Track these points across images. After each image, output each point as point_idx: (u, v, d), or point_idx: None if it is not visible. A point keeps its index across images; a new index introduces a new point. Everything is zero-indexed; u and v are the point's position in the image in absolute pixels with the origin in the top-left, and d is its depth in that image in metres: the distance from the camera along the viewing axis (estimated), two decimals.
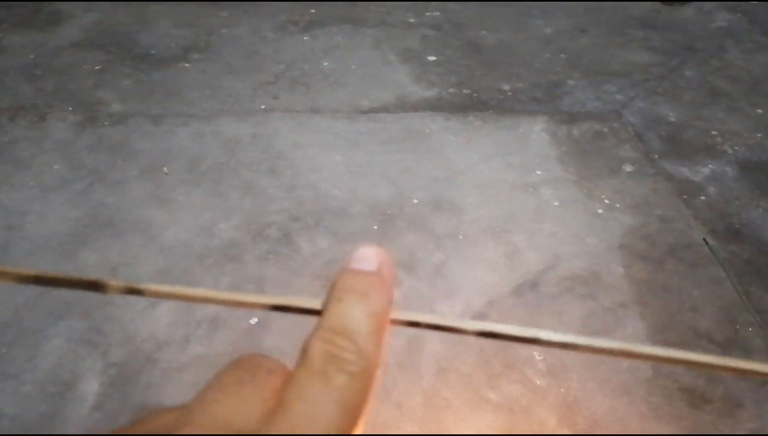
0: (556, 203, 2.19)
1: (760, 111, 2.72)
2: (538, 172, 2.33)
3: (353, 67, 2.98)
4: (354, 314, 0.26)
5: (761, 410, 1.55)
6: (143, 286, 0.27)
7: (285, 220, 2.09)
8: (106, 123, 2.54)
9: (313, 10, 3.49)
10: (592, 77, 2.94)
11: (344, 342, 0.25)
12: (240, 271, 1.90)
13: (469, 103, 2.73)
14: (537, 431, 1.50)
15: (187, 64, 2.97)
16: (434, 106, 2.70)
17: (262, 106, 2.68)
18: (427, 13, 3.49)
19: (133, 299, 1.80)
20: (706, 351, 1.68)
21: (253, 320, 1.75)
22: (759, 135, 2.57)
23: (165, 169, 2.30)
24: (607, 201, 2.20)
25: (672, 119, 2.66)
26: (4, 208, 2.11)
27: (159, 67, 2.93)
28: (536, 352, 1.68)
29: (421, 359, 1.66)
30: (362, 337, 0.25)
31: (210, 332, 1.71)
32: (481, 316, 1.77)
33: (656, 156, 2.43)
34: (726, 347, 1.70)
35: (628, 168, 2.36)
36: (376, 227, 2.07)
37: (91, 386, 1.57)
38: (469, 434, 1.49)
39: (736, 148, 2.49)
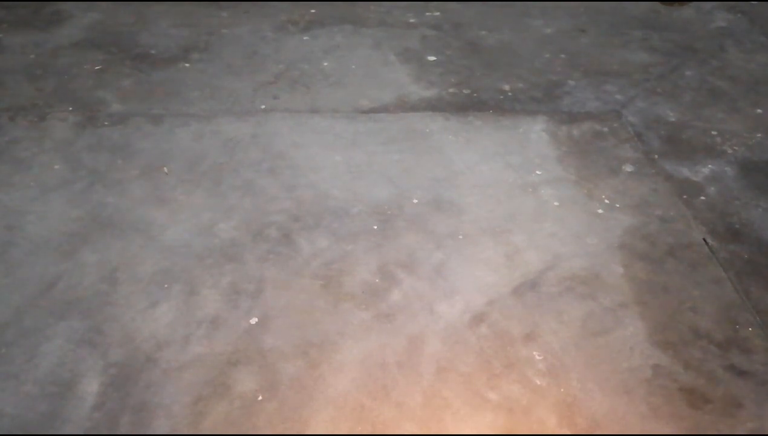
0: (556, 203, 2.19)
1: (760, 111, 2.72)
2: (538, 172, 2.33)
3: (353, 67, 2.98)
4: None
5: (761, 410, 1.55)
6: None
7: (285, 220, 2.09)
8: (106, 123, 2.54)
9: (313, 10, 3.49)
10: (592, 77, 2.94)
11: None
12: (240, 271, 1.90)
13: (469, 103, 2.73)
14: (537, 431, 1.50)
15: (187, 64, 2.97)
16: (434, 106, 2.71)
17: (262, 106, 2.68)
18: (427, 13, 3.50)
19: (133, 298, 1.80)
20: (705, 351, 1.68)
21: (253, 320, 1.75)
22: (759, 135, 2.57)
23: (165, 169, 2.30)
24: (607, 201, 2.20)
25: (672, 119, 2.66)
26: (4, 208, 2.11)
27: (159, 67, 2.93)
28: (536, 352, 1.68)
29: (421, 359, 1.66)
30: None
31: (210, 332, 1.71)
32: (481, 316, 1.77)
33: (656, 156, 2.44)
34: (726, 347, 1.70)
35: (628, 168, 2.36)
36: (376, 227, 2.07)
37: (91, 386, 1.57)
38: (469, 434, 1.49)
39: (736, 148, 2.49)
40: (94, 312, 1.76)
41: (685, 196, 2.24)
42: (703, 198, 2.23)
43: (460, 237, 2.04)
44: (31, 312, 1.76)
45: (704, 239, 2.05)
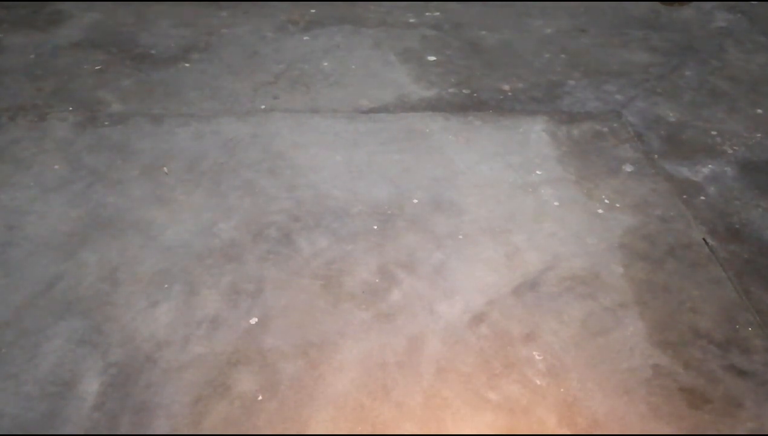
0: (556, 203, 2.19)
1: (760, 111, 2.72)
2: (538, 172, 2.33)
3: (353, 67, 2.98)
4: None
5: (761, 410, 1.55)
6: None
7: (285, 220, 2.09)
8: (106, 123, 2.54)
9: (313, 10, 3.49)
10: (592, 77, 2.94)
11: None
12: (240, 271, 1.90)
13: (469, 103, 2.73)
14: (537, 431, 1.50)
15: (187, 64, 2.97)
16: (434, 106, 2.71)
17: (262, 106, 2.68)
18: (427, 13, 3.50)
19: (133, 298, 1.80)
20: (705, 351, 1.68)
21: (253, 320, 1.75)
22: (759, 135, 2.57)
23: (165, 169, 2.30)
24: (607, 201, 2.20)
25: (672, 119, 2.66)
26: (4, 208, 2.11)
27: (159, 67, 2.94)
28: (536, 352, 1.68)
29: (421, 359, 1.66)
30: None
31: (210, 332, 1.71)
32: (481, 316, 1.77)
33: (656, 156, 2.44)
34: (726, 347, 1.70)
35: (628, 168, 2.36)
36: (376, 227, 2.07)
37: (91, 386, 1.57)
38: (469, 434, 1.49)
39: (736, 148, 2.49)
40: (94, 312, 1.76)
41: (685, 196, 2.24)
42: (703, 198, 2.23)
43: (460, 237, 2.04)
44: (31, 312, 1.76)
45: (704, 239, 2.05)
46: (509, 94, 2.81)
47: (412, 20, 3.41)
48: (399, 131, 2.53)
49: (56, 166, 2.30)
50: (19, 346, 1.66)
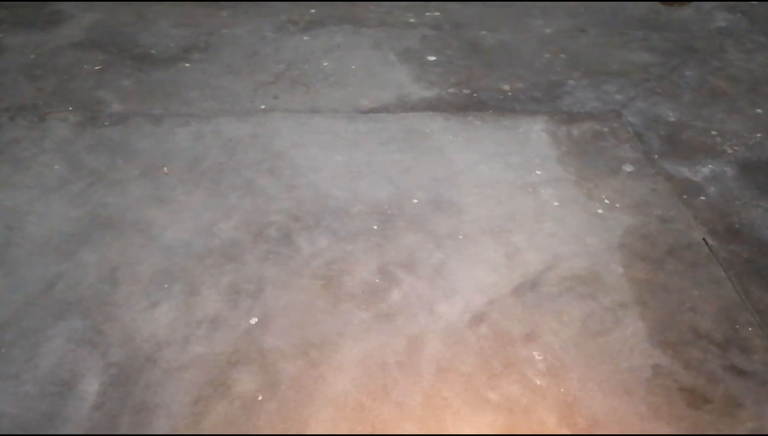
0: (556, 203, 2.19)
1: (759, 111, 2.72)
2: (538, 172, 2.33)
3: (353, 67, 2.98)
4: None
5: (761, 410, 1.55)
6: None
7: (285, 220, 2.09)
8: (106, 123, 2.54)
9: (313, 10, 3.49)
10: (592, 77, 2.94)
11: None
12: (240, 271, 1.90)
13: (469, 103, 2.73)
14: (537, 431, 1.50)
15: (187, 64, 2.97)
16: (434, 106, 2.71)
17: (262, 106, 2.68)
18: (427, 13, 3.50)
19: (133, 298, 1.80)
20: (705, 351, 1.68)
21: (253, 320, 1.75)
22: (759, 135, 2.57)
23: (165, 169, 2.30)
24: (607, 201, 2.20)
25: (672, 119, 2.66)
26: (4, 209, 2.11)
27: (159, 67, 2.93)
28: (536, 352, 1.68)
29: (421, 359, 1.66)
30: None
31: (210, 332, 1.71)
32: (481, 316, 1.77)
33: (656, 156, 2.44)
34: (726, 347, 1.70)
35: (628, 168, 2.36)
36: (375, 227, 2.07)
37: (91, 386, 1.57)
38: (469, 434, 1.49)
39: (736, 148, 2.49)
40: (94, 312, 1.76)
41: (685, 196, 2.24)
42: (703, 198, 2.23)
43: (460, 237, 2.04)
44: (31, 312, 1.76)
45: (704, 239, 2.05)
46: (509, 94, 2.81)
47: (412, 20, 3.41)
48: (399, 131, 2.53)
49: (56, 166, 2.30)
50: (19, 346, 1.66)
